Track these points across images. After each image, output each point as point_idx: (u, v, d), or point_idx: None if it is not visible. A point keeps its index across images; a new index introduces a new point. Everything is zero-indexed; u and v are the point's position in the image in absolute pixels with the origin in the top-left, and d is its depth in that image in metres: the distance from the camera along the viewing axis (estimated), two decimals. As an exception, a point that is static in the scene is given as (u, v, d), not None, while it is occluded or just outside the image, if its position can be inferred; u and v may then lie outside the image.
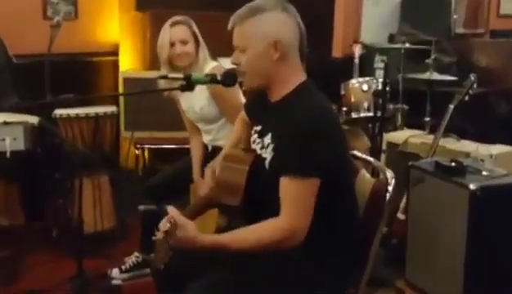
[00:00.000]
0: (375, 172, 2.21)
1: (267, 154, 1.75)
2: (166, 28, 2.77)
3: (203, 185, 2.73)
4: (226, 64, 2.19)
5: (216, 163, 2.12)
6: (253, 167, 1.81)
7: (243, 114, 2.10)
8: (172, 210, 1.64)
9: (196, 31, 2.79)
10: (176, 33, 2.74)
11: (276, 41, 1.69)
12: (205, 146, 2.96)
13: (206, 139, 2.94)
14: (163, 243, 1.51)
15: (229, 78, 1.85)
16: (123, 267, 3.02)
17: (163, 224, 1.58)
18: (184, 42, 2.74)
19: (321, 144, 1.62)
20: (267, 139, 1.77)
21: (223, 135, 2.82)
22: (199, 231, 1.65)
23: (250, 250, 1.63)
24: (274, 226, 1.63)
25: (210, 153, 2.90)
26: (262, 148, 1.80)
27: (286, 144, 1.66)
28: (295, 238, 1.61)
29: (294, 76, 1.76)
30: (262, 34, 1.70)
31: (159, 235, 1.51)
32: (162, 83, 2.72)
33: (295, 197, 1.62)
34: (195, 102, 2.81)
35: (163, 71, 2.78)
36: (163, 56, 2.76)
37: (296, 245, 1.62)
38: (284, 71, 1.74)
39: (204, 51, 2.79)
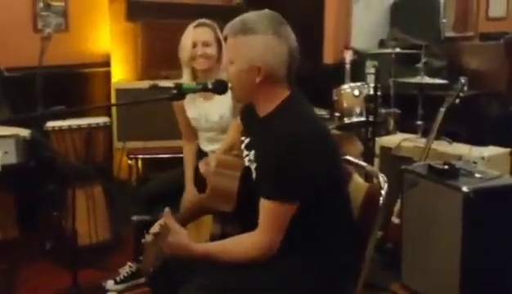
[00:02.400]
0: (368, 177, 2.22)
1: (253, 170, 1.78)
2: (190, 28, 2.73)
3: (190, 194, 2.73)
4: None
5: (210, 159, 2.11)
6: (245, 173, 1.82)
7: (238, 121, 2.10)
8: (167, 214, 1.65)
9: (221, 37, 2.70)
10: (199, 33, 2.71)
11: (259, 67, 1.69)
12: (203, 153, 2.91)
13: (209, 148, 2.88)
14: (152, 246, 1.51)
15: (220, 87, 1.85)
16: (117, 278, 3.00)
17: (154, 228, 1.57)
18: (206, 44, 2.69)
19: (301, 167, 1.62)
20: (252, 155, 1.80)
21: None
22: (193, 238, 1.68)
23: (229, 260, 1.68)
24: (250, 244, 1.68)
25: None
26: (249, 161, 1.82)
27: (265, 167, 1.69)
28: (266, 254, 1.67)
29: (278, 94, 1.74)
30: (248, 56, 1.70)
31: (149, 238, 1.51)
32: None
33: (271, 218, 1.66)
34: (213, 110, 2.76)
35: (185, 74, 2.74)
36: (185, 57, 2.71)
37: (269, 257, 1.67)
38: (267, 92, 1.73)
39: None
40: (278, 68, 1.71)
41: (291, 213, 1.65)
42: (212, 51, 2.71)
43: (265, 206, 1.66)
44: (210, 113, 2.79)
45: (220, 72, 2.68)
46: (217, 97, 2.69)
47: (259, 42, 1.69)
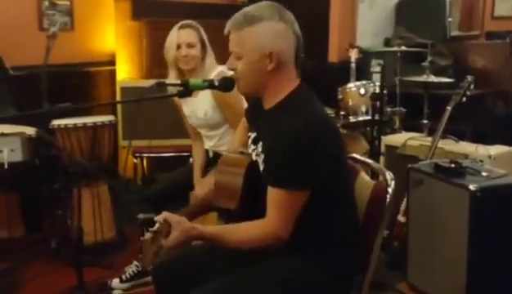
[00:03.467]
0: (374, 175, 2.21)
1: (260, 163, 1.76)
2: (174, 30, 2.79)
3: (201, 185, 2.76)
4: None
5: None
6: (250, 170, 1.82)
7: (245, 120, 2.10)
8: (161, 215, 1.63)
9: (204, 37, 2.81)
10: (183, 35, 2.76)
11: (271, 52, 1.68)
12: (206, 152, 2.96)
13: (208, 145, 2.94)
14: (150, 244, 1.50)
15: (226, 84, 1.85)
16: (123, 277, 3.00)
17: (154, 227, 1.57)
18: (190, 45, 2.75)
19: (310, 156, 1.61)
20: (260, 147, 1.78)
21: (226, 142, 2.82)
22: None
23: (238, 243, 1.66)
24: (260, 230, 1.66)
25: (211, 159, 2.90)
26: (256, 155, 1.81)
27: (273, 156, 1.67)
28: (277, 240, 1.65)
29: (287, 84, 1.74)
30: (258, 45, 1.68)
31: (147, 235, 1.50)
32: (171, 89, 2.70)
33: (280, 206, 1.64)
34: (199, 107, 2.82)
35: (171, 74, 2.80)
36: (170, 58, 2.78)
37: (279, 245, 1.65)
38: (278, 80, 1.72)
39: (210, 58, 2.80)
40: (287, 53, 1.71)
41: (302, 202, 1.64)
42: (196, 52, 2.76)
43: (272, 192, 1.65)
44: (197, 109, 2.84)
45: (205, 70, 2.76)
46: (201, 94, 2.75)
47: (267, 27, 1.68)
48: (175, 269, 1.85)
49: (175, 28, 2.80)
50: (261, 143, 1.78)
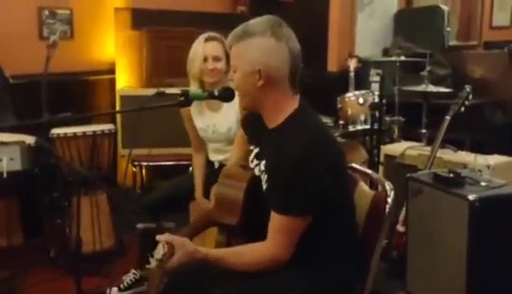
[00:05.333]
0: (373, 185, 2.21)
1: (263, 182, 1.76)
2: (200, 41, 2.72)
3: (207, 204, 2.72)
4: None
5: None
6: (251, 184, 1.81)
7: (242, 131, 2.10)
8: (164, 236, 1.63)
9: (228, 50, 2.74)
10: (210, 48, 2.70)
11: (259, 69, 1.67)
12: (211, 163, 2.91)
13: (216, 158, 2.88)
14: (157, 271, 1.50)
15: (226, 94, 1.86)
16: (121, 285, 2.99)
17: (157, 253, 1.56)
18: (217, 59, 2.69)
19: (313, 183, 1.61)
20: (263, 165, 1.78)
21: None
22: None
23: (241, 267, 1.68)
24: (260, 251, 1.67)
25: (216, 171, 2.86)
26: (259, 171, 1.80)
27: (275, 181, 1.67)
28: (277, 264, 1.66)
29: (286, 103, 1.73)
30: (249, 59, 1.69)
31: (153, 263, 1.50)
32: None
33: (281, 231, 1.65)
34: (221, 122, 2.76)
35: (193, 85, 2.74)
36: (195, 70, 2.71)
37: (278, 268, 1.66)
38: (273, 97, 1.71)
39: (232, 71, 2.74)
40: (278, 70, 1.69)
41: (304, 226, 1.65)
42: (222, 65, 2.70)
43: (274, 217, 1.66)
44: (217, 124, 2.79)
45: (227, 83, 2.67)
46: (225, 109, 2.70)
47: (257, 43, 1.68)
48: (178, 287, 1.83)
49: (201, 39, 2.73)
50: (264, 162, 1.77)
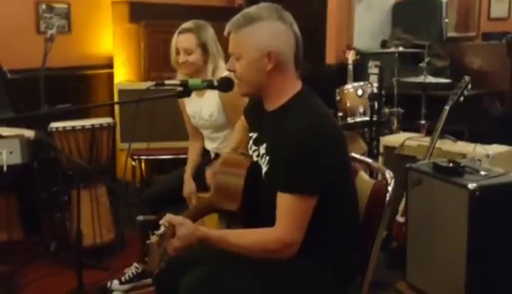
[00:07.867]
0: (373, 174, 2.22)
1: (263, 165, 1.75)
2: (175, 34, 2.75)
3: (188, 185, 2.80)
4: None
5: (216, 166, 2.11)
6: (251, 171, 1.81)
7: (243, 119, 2.09)
8: (167, 215, 1.63)
9: (207, 40, 2.71)
10: (181, 41, 2.71)
11: (269, 52, 1.67)
12: (208, 152, 2.94)
13: (210, 146, 2.92)
14: (157, 247, 1.50)
15: (225, 84, 1.85)
16: (122, 278, 3.00)
17: (159, 230, 1.57)
18: (187, 51, 2.70)
19: (316, 159, 1.60)
20: (263, 149, 1.77)
21: (228, 144, 2.79)
22: None
23: (244, 248, 1.64)
24: (268, 236, 1.64)
25: (213, 160, 2.88)
26: (258, 156, 1.80)
27: (280, 160, 1.65)
28: (286, 250, 1.63)
29: (289, 86, 1.74)
30: (256, 44, 1.68)
31: (154, 238, 1.50)
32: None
33: (289, 212, 1.62)
34: (205, 108, 2.79)
35: (179, 76, 2.76)
36: (172, 62, 2.77)
37: (287, 257, 1.63)
38: (278, 81, 1.72)
39: (214, 61, 2.71)
40: (287, 53, 1.70)
41: (309, 208, 1.62)
42: (193, 58, 2.70)
43: (281, 198, 1.63)
44: (202, 110, 2.82)
45: (208, 73, 2.70)
46: (207, 95, 2.74)
47: (266, 27, 1.68)
48: (176, 273, 1.83)
49: (176, 31, 2.75)
50: (264, 145, 1.76)
